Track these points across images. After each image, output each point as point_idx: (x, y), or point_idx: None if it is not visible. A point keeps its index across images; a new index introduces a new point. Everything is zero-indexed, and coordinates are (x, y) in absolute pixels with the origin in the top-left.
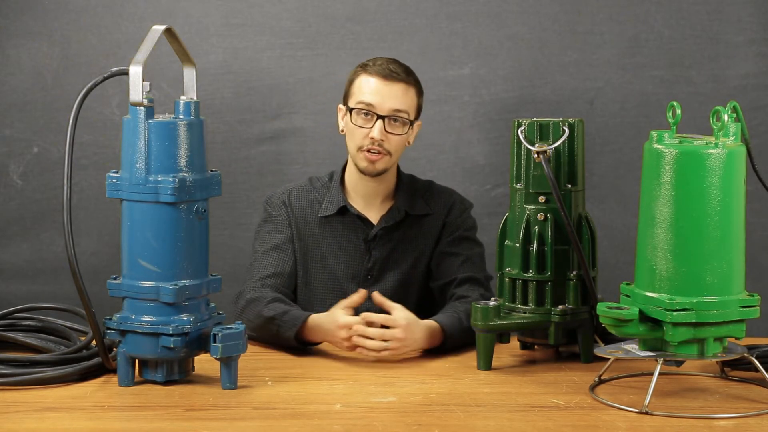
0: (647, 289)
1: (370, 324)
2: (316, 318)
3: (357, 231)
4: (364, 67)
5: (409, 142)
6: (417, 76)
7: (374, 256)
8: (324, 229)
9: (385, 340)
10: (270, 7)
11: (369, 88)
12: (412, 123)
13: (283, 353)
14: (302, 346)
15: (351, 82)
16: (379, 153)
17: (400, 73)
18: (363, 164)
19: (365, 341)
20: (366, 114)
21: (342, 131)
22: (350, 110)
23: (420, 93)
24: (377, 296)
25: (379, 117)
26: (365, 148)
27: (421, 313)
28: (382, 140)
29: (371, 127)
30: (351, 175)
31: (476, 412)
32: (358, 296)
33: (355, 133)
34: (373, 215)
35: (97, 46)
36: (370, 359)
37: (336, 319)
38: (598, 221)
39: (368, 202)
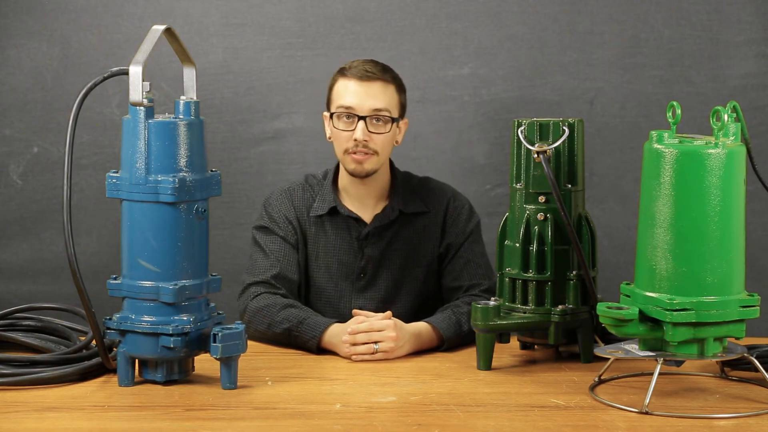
0: (647, 289)
1: (356, 331)
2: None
3: (350, 230)
4: (341, 72)
5: (397, 142)
6: (396, 73)
7: (367, 254)
8: (318, 228)
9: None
10: (270, 7)
11: (347, 91)
12: (395, 121)
13: (283, 353)
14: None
15: (331, 88)
16: (365, 153)
17: (376, 72)
18: (351, 166)
19: (357, 348)
20: (347, 117)
21: (329, 138)
22: (332, 115)
23: (401, 90)
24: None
25: (360, 118)
26: (351, 150)
27: (417, 313)
28: (365, 140)
29: (353, 129)
30: (343, 178)
31: (476, 412)
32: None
33: (340, 137)
34: (367, 215)
35: (97, 46)
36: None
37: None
38: (598, 221)
39: (361, 203)
